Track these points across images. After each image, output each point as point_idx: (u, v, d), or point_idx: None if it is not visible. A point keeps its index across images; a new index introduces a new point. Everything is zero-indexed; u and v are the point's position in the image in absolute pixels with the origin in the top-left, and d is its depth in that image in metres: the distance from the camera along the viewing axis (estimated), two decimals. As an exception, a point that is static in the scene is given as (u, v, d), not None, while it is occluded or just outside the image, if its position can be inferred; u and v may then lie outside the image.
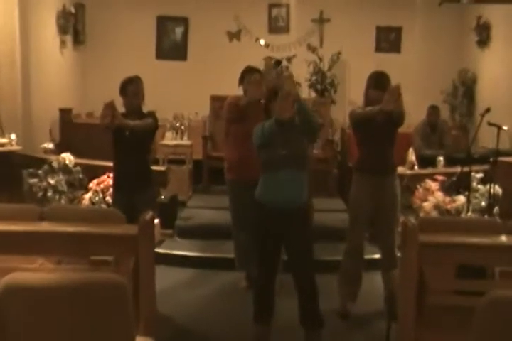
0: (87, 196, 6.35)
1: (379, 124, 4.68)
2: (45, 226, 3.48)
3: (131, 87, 4.88)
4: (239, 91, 5.38)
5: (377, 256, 5.29)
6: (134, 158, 4.89)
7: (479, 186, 6.29)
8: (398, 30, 10.89)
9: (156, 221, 4.97)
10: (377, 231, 5.04)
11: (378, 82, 4.75)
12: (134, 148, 4.87)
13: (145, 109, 5.02)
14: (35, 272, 3.11)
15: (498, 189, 6.03)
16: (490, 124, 5.87)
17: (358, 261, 4.96)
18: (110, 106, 4.54)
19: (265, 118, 4.06)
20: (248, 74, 5.30)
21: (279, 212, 4.03)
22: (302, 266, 4.12)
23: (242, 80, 5.30)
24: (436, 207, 6.28)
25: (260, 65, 9.25)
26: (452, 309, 3.24)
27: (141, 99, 4.95)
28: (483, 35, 9.80)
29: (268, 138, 3.98)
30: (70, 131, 9.05)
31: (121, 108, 4.86)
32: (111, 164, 5.15)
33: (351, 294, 4.98)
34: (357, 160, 5.01)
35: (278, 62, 10.15)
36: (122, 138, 4.79)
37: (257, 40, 10.98)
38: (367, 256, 5.17)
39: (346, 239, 5.04)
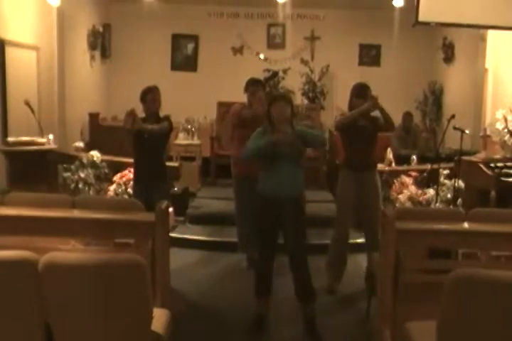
0: (112, 188, 6.33)
1: (362, 128, 4.70)
2: (76, 213, 3.46)
3: (150, 95, 4.89)
4: (244, 98, 5.37)
5: (360, 240, 5.28)
6: (152, 155, 4.89)
7: (446, 181, 6.28)
8: (378, 48, 10.86)
9: (170, 209, 4.93)
10: (362, 219, 4.99)
11: (360, 92, 4.79)
12: (151, 148, 4.85)
13: (161, 114, 5.01)
14: (68, 252, 3.10)
15: (461, 183, 6.02)
16: (455, 128, 5.86)
17: (344, 245, 4.94)
18: (131, 114, 4.57)
19: (268, 120, 4.04)
20: (252, 86, 5.28)
21: (278, 203, 4.01)
22: (297, 248, 4.09)
23: (246, 89, 5.30)
24: (410, 198, 6.26)
25: (260, 75, 9.27)
26: (424, 285, 3.24)
27: (158, 105, 4.94)
28: (448, 53, 9.84)
29: (259, 154, 3.99)
30: (98, 132, 9.03)
31: (141, 113, 4.87)
32: (132, 160, 5.13)
33: (338, 274, 4.96)
34: (343, 159, 5.00)
35: (275, 74, 10.14)
36: (142, 139, 4.79)
37: (257, 54, 10.94)
38: (351, 241, 5.15)
39: (334, 226, 5.01)
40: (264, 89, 5.51)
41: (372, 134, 4.84)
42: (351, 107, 4.82)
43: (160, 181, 4.92)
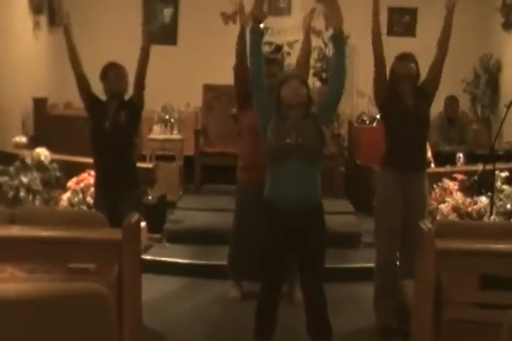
0: (65, 196, 6.32)
1: (410, 109, 4.77)
2: (16, 231, 3.46)
3: (114, 71, 4.98)
4: None
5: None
6: (117, 153, 4.91)
7: (504, 186, 6.27)
8: (413, 12, 10.87)
9: (143, 224, 4.94)
10: (401, 235, 5.00)
11: (403, 54, 4.97)
12: (116, 143, 4.88)
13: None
14: (4, 282, 3.09)
15: (525, 189, 6.03)
16: (516, 117, 5.87)
17: (394, 270, 4.92)
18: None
19: (276, 106, 4.11)
20: (265, 65, 5.32)
21: (288, 210, 4.05)
22: (313, 272, 4.16)
23: None
24: (456, 209, 6.26)
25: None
26: (475, 324, 3.24)
27: (125, 84, 4.98)
28: (510, 16, 9.74)
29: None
30: (46, 124, 9.00)
31: (102, 94, 4.92)
32: (92, 160, 5.14)
33: (391, 308, 4.95)
34: (384, 155, 4.98)
35: (278, 48, 10.14)
36: (102, 130, 4.81)
37: (255, 22, 10.95)
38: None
39: (376, 248, 5.02)
40: (282, 69, 5.52)
41: (424, 117, 4.88)
42: (393, 74, 4.88)
43: (129, 187, 4.94)
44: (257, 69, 4.23)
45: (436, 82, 4.95)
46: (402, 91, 4.81)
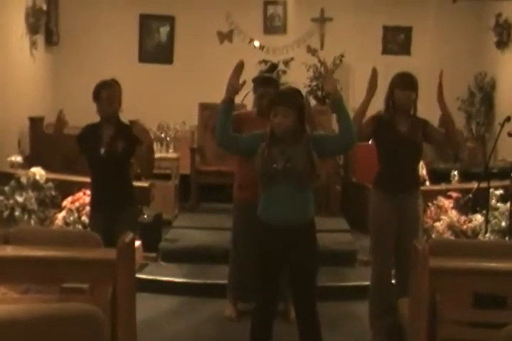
0: (61, 215, 6.32)
1: (403, 136, 4.81)
2: (10, 251, 3.45)
3: (106, 91, 4.84)
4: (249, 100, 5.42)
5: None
6: (113, 175, 4.87)
7: (499, 204, 6.28)
8: (408, 31, 10.90)
9: (138, 243, 4.93)
10: (395, 254, 5.02)
11: (406, 81, 4.86)
12: (113, 164, 4.85)
13: (125, 118, 5.01)
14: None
15: (520, 207, 6.02)
16: (510, 135, 5.87)
17: (389, 289, 4.95)
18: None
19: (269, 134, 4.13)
20: (261, 86, 5.31)
21: (280, 231, 4.07)
22: (306, 291, 4.17)
23: (255, 90, 5.34)
24: (450, 227, 6.26)
25: (255, 68, 9.28)
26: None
27: (118, 105, 4.93)
28: (503, 35, 9.76)
29: (223, 132, 4.20)
30: (42, 143, 8.98)
31: (95, 116, 4.89)
32: (87, 179, 5.13)
33: (387, 327, 4.92)
34: (376, 176, 5.04)
35: (274, 66, 10.16)
36: (97, 157, 4.77)
37: (251, 41, 10.98)
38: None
39: (371, 266, 5.06)
40: (278, 88, 5.53)
41: (417, 145, 4.92)
42: (392, 102, 4.87)
43: (124, 206, 4.91)
44: (221, 138, 4.24)
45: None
46: (397, 119, 4.84)
